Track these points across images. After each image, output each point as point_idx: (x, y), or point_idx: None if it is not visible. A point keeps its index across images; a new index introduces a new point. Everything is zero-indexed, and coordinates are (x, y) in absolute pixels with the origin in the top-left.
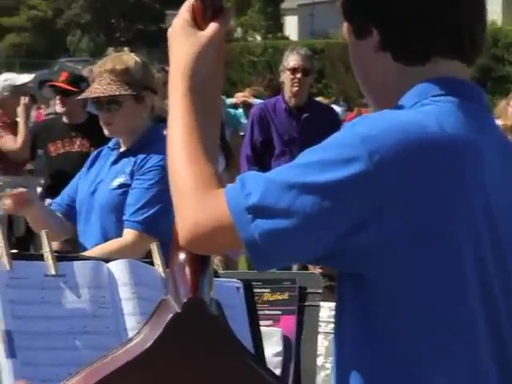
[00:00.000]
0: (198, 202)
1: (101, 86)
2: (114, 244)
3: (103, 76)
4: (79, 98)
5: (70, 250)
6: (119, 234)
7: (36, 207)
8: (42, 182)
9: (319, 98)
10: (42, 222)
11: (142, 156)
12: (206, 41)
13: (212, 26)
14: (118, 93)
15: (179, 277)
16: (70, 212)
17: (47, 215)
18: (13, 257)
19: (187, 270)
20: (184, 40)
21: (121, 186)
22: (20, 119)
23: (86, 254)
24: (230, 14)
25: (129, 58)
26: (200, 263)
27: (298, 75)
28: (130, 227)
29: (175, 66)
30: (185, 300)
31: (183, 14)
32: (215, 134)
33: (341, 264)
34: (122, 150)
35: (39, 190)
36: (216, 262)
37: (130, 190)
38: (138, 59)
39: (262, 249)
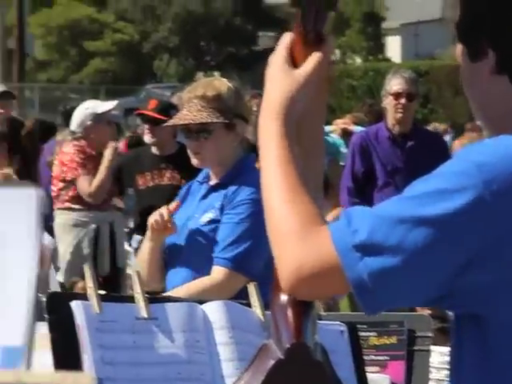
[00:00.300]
0: (300, 243)
1: (190, 112)
2: (202, 283)
3: (193, 102)
4: (166, 124)
5: (160, 291)
6: (209, 273)
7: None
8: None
9: (432, 125)
10: (157, 257)
11: (232, 189)
12: (304, 80)
13: (310, 62)
14: (208, 120)
15: (281, 320)
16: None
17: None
18: (102, 299)
19: (289, 312)
20: (280, 79)
21: (210, 221)
22: (103, 163)
23: (172, 292)
24: (332, 42)
25: (221, 84)
26: (303, 305)
27: (402, 100)
28: (219, 265)
29: (270, 105)
30: (288, 345)
31: (280, 50)
32: (318, 170)
33: (456, 304)
34: (211, 183)
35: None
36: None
37: (220, 225)
38: (230, 85)
39: (372, 290)
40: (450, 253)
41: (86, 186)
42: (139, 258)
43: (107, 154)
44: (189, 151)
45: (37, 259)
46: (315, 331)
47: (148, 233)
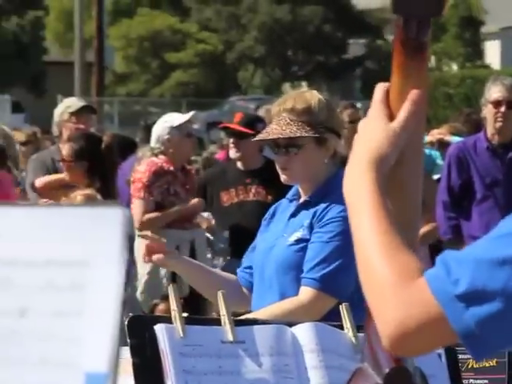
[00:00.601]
0: (400, 297)
1: (279, 126)
2: (288, 303)
3: (282, 116)
4: (254, 139)
5: (244, 312)
6: (297, 295)
7: (182, 264)
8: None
9: None
10: (197, 284)
11: (322, 207)
12: (395, 134)
13: (402, 115)
14: (298, 134)
15: (377, 343)
16: (249, 281)
17: (207, 276)
18: (186, 321)
19: None
20: (372, 131)
21: (298, 241)
22: (176, 209)
23: (257, 314)
24: (424, 95)
25: (312, 97)
26: None
27: (502, 109)
28: (307, 285)
29: (361, 156)
30: (387, 370)
31: (377, 101)
32: (414, 215)
33: None
34: (301, 200)
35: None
36: None
37: (309, 244)
38: (321, 98)
39: (482, 338)
40: None
41: (139, 212)
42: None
43: (192, 202)
44: (277, 167)
45: (123, 281)
46: None
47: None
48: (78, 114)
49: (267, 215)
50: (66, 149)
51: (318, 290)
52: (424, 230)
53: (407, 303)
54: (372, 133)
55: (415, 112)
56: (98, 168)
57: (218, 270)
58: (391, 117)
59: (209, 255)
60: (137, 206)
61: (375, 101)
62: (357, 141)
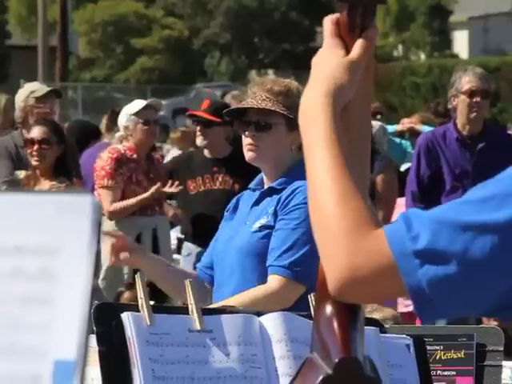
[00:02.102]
0: (354, 243)
1: (255, 100)
2: (257, 291)
3: (259, 93)
4: (228, 110)
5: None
6: (260, 282)
7: (146, 260)
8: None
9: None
10: (158, 280)
11: (286, 193)
12: (352, 65)
13: (357, 48)
14: (273, 109)
15: (327, 332)
16: (211, 277)
17: (169, 273)
18: (153, 310)
19: (335, 324)
20: (328, 64)
21: (262, 227)
22: (142, 196)
23: (225, 302)
24: (377, 32)
25: (291, 83)
26: (350, 316)
27: (477, 99)
28: (275, 273)
29: (318, 87)
30: (336, 360)
31: (330, 31)
32: (365, 163)
33: None
34: (264, 187)
35: (176, 235)
36: (385, 315)
37: (274, 231)
38: (299, 86)
39: (430, 298)
40: None
41: (107, 202)
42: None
43: (150, 192)
44: (244, 144)
45: (92, 269)
46: (363, 343)
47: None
48: (43, 98)
49: (230, 206)
50: (38, 133)
51: (287, 277)
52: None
53: (360, 251)
54: (329, 65)
55: (369, 49)
56: (65, 155)
57: (178, 267)
58: (347, 50)
59: (174, 243)
60: (103, 195)
61: (327, 34)
62: (312, 73)
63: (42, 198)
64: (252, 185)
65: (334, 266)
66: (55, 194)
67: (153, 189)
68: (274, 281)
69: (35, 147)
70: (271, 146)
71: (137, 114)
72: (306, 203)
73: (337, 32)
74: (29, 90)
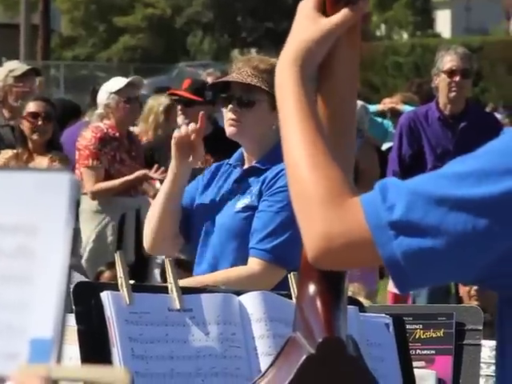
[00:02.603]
0: (330, 212)
1: (240, 75)
2: (239, 271)
3: (244, 69)
4: (213, 82)
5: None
6: (238, 263)
7: (185, 173)
8: None
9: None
10: (174, 208)
11: (271, 174)
12: (327, 31)
13: (341, 13)
14: (258, 85)
15: (310, 312)
16: (182, 224)
17: (178, 205)
18: (132, 289)
19: (319, 303)
20: (305, 26)
21: (246, 208)
22: (126, 178)
23: (207, 277)
24: (367, 4)
25: (276, 61)
26: (333, 295)
27: (457, 78)
28: (256, 256)
29: (289, 52)
30: (320, 339)
31: (309, 6)
32: (351, 139)
33: (497, 286)
34: (246, 166)
35: None
36: (356, 291)
37: (257, 213)
38: None
39: (405, 269)
40: (489, 239)
41: (90, 182)
42: (152, 209)
43: (135, 175)
44: (226, 120)
45: (70, 247)
46: (346, 323)
47: (172, 163)
48: (22, 77)
49: (207, 173)
50: (40, 107)
51: (268, 261)
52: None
53: (336, 220)
54: (303, 30)
55: (353, 17)
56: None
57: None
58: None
59: None
60: (87, 175)
61: (310, 6)
62: (288, 41)
63: (19, 176)
64: (232, 161)
65: (310, 235)
66: (33, 171)
67: (138, 173)
68: (255, 264)
69: (39, 122)
70: (253, 122)
71: (118, 92)
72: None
73: (320, 7)
74: (7, 69)
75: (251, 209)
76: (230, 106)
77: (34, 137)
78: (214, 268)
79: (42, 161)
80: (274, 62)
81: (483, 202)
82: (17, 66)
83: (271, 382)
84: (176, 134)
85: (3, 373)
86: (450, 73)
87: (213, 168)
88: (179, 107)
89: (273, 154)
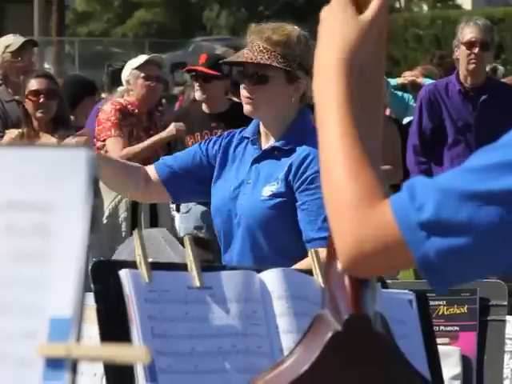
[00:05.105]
0: (361, 218)
1: (251, 52)
2: (304, 266)
3: (256, 43)
4: (223, 61)
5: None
6: (271, 253)
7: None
8: None
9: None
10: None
11: (297, 158)
12: (368, 25)
13: (374, 6)
14: (269, 63)
15: (337, 289)
16: (170, 177)
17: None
18: (152, 267)
19: (346, 280)
20: (341, 22)
21: (272, 196)
22: (155, 137)
23: None
24: None
25: (292, 30)
26: None
27: (475, 50)
28: (319, 246)
29: (328, 51)
30: (346, 317)
31: None
32: (378, 130)
33: None
34: (265, 145)
35: None
36: None
37: (301, 204)
38: (302, 33)
39: (439, 269)
40: None
41: (117, 149)
42: None
43: (167, 131)
44: (242, 96)
45: (88, 225)
46: (375, 301)
47: None
48: (19, 51)
49: (217, 147)
50: (42, 84)
51: None
52: (385, 167)
53: (367, 224)
54: (341, 24)
55: (384, 7)
56: (61, 109)
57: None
58: (358, 9)
59: None
60: (112, 144)
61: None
62: (322, 31)
63: (35, 153)
64: (247, 133)
65: (342, 239)
66: (49, 148)
67: (171, 127)
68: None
69: (41, 99)
70: (268, 98)
71: (138, 68)
72: None
73: None
74: (3, 45)
75: (279, 196)
76: (243, 84)
77: (38, 115)
78: (243, 258)
79: (48, 139)
80: (289, 32)
81: (510, 194)
82: (12, 41)
83: (298, 359)
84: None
85: (23, 352)
86: (469, 45)
87: (227, 139)
88: (197, 83)
89: (293, 132)
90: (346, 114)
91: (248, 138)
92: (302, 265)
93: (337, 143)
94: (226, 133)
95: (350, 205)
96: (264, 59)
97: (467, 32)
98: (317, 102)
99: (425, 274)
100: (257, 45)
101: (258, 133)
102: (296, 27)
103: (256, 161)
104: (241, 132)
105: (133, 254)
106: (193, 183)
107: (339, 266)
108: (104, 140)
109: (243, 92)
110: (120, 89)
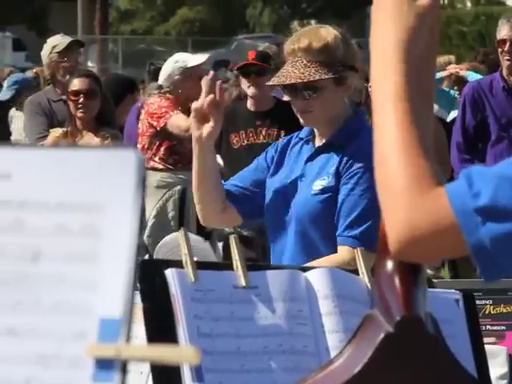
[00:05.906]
0: (414, 203)
1: (296, 69)
2: (328, 262)
3: (297, 57)
4: (269, 83)
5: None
6: (322, 249)
7: (211, 148)
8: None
9: None
10: (206, 173)
11: (348, 153)
12: (425, 10)
13: None
14: (317, 77)
15: (387, 289)
16: (235, 195)
17: (215, 171)
18: (197, 266)
19: (397, 280)
20: (397, 11)
21: (323, 190)
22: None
23: None
24: None
25: (328, 33)
26: (411, 272)
27: (506, 47)
28: (345, 244)
29: (385, 37)
30: (398, 318)
31: None
32: (430, 120)
33: None
34: (318, 143)
35: None
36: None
37: (340, 197)
38: (337, 33)
39: (493, 255)
40: None
41: (183, 119)
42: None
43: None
44: (295, 110)
45: (137, 225)
46: (426, 302)
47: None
48: (66, 51)
49: (279, 148)
50: (83, 84)
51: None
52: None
53: (421, 209)
54: (397, 10)
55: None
56: (104, 108)
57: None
58: None
59: None
60: (176, 119)
61: None
62: (376, 20)
63: (84, 154)
64: (303, 134)
65: (394, 224)
66: (98, 149)
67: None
68: (345, 252)
69: (81, 99)
70: (324, 108)
71: (193, 68)
72: (371, 167)
73: None
74: (50, 46)
75: (329, 191)
76: (295, 99)
77: (79, 114)
78: (294, 254)
79: (91, 138)
80: (325, 36)
81: None
82: (59, 41)
83: (349, 359)
84: (193, 105)
85: (74, 353)
86: (502, 42)
87: (284, 141)
88: (249, 79)
89: (347, 129)
90: (403, 104)
91: (302, 138)
92: (325, 261)
93: (393, 131)
94: (284, 138)
95: (403, 190)
96: (312, 74)
97: (502, 29)
98: (374, 89)
99: (477, 260)
100: (299, 59)
101: (313, 132)
102: (329, 28)
103: (309, 159)
104: (297, 135)
105: (169, 253)
106: (262, 198)
107: (389, 265)
108: (163, 128)
109: (296, 107)
110: (161, 84)
